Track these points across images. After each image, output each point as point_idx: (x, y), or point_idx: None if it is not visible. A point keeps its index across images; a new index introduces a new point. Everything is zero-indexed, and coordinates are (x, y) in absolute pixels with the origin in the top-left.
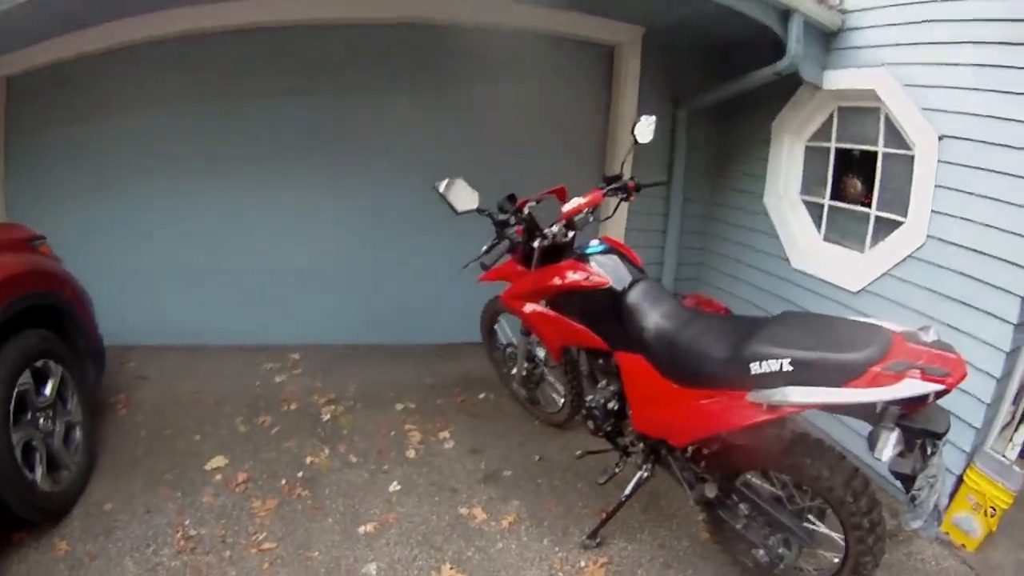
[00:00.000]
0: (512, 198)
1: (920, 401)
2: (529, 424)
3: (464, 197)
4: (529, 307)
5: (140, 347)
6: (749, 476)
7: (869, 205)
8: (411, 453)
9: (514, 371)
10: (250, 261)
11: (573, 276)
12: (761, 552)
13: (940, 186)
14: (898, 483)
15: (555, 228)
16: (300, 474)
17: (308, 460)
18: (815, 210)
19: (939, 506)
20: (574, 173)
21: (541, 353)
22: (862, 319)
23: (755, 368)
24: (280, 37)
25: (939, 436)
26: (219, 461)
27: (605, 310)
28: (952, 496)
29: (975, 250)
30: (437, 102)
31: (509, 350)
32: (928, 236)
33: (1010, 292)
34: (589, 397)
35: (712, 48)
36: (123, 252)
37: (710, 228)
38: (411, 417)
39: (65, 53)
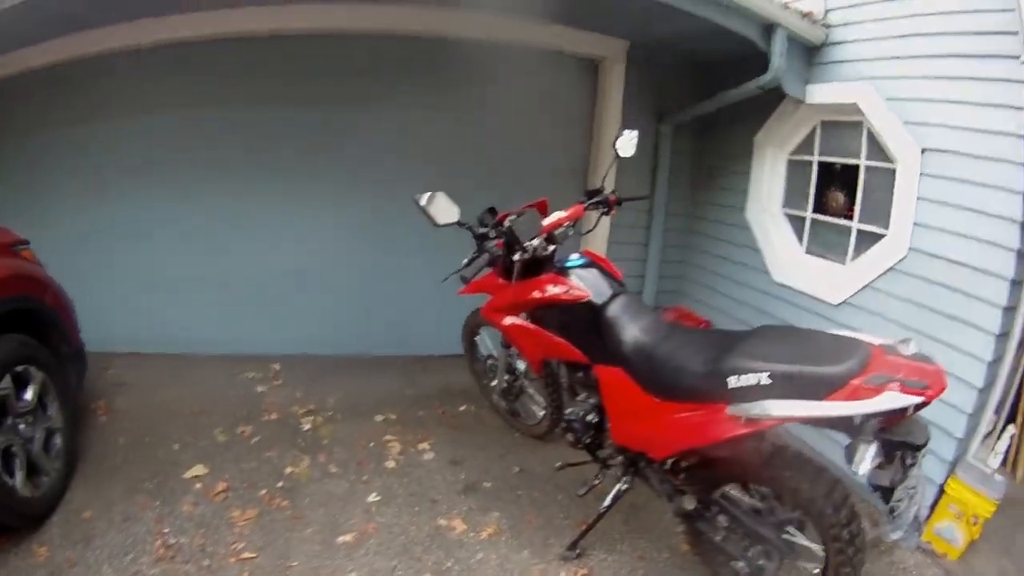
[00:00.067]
0: (492, 211)
1: (900, 413)
2: (509, 436)
3: (444, 210)
4: (509, 320)
5: (122, 354)
6: (728, 488)
7: (851, 218)
8: (391, 464)
9: (494, 383)
10: (233, 271)
11: (553, 289)
12: (741, 564)
13: (922, 199)
14: (877, 495)
15: (535, 242)
16: (280, 484)
17: (288, 470)
18: (797, 223)
19: (919, 517)
20: (557, 186)
21: (521, 366)
22: (841, 332)
23: (733, 382)
24: (273, 45)
25: (919, 448)
26: (199, 470)
27: (585, 323)
28: (933, 506)
29: (957, 262)
30: (423, 116)
31: (490, 362)
32: (910, 248)
33: (991, 303)
34: (569, 410)
35: (696, 62)
36: (106, 259)
37: (692, 241)
38: (391, 428)
39: (60, 56)
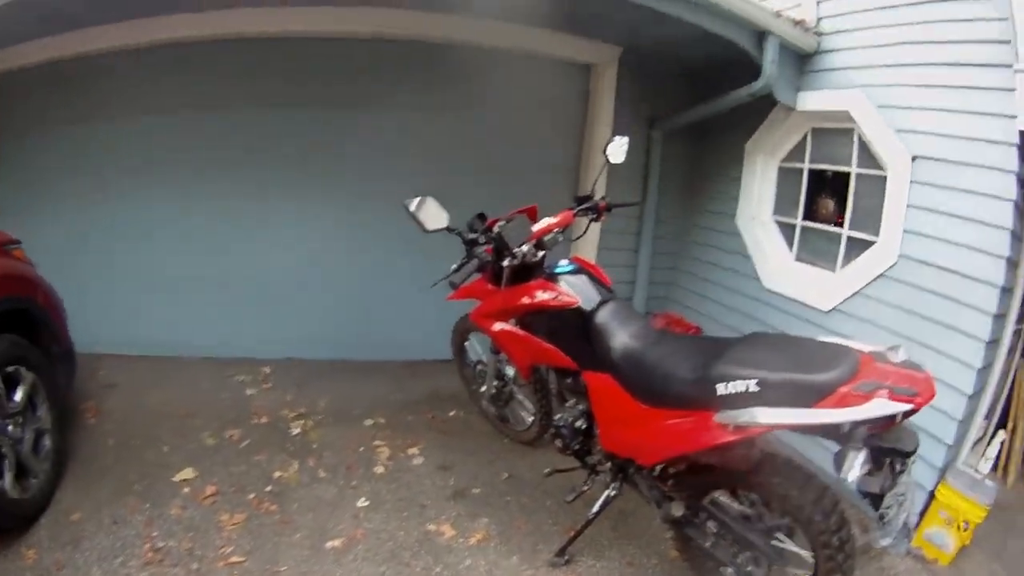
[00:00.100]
0: (482, 217)
1: (889, 421)
2: (498, 442)
3: (434, 216)
4: (498, 326)
5: (112, 356)
6: (717, 495)
7: (841, 225)
8: (380, 469)
9: (484, 389)
10: (225, 274)
11: (542, 295)
12: (730, 570)
13: (912, 206)
14: (867, 501)
15: (525, 248)
16: (269, 488)
17: (277, 474)
18: (787, 230)
19: (908, 524)
20: (549, 190)
21: (510, 371)
22: (831, 339)
23: (721, 389)
24: (272, 46)
25: (908, 455)
26: (188, 473)
27: (574, 330)
28: (924, 511)
29: (947, 269)
30: (416, 119)
31: (479, 368)
32: (900, 255)
33: (981, 310)
34: (557, 416)
35: (688, 69)
36: (98, 260)
37: (682, 248)
38: (380, 433)
39: (56, 53)
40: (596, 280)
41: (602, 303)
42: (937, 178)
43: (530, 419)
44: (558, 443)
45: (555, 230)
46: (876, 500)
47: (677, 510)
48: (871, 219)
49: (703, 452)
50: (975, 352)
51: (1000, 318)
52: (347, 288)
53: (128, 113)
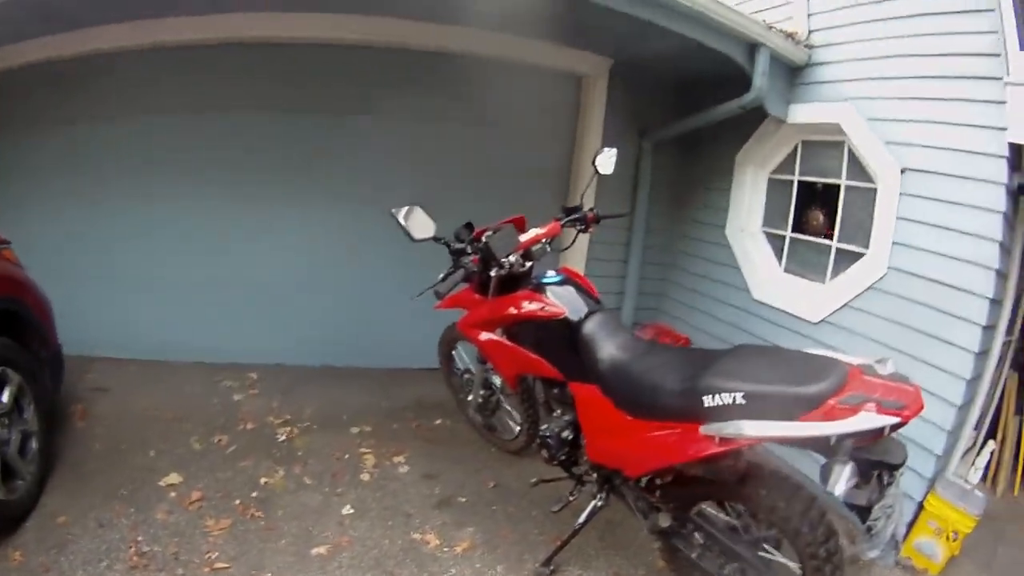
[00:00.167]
0: (469, 227)
1: (876, 433)
2: (485, 451)
3: (421, 225)
4: (485, 335)
5: (101, 359)
6: (704, 506)
7: (831, 237)
8: (365, 476)
9: (471, 398)
10: (215, 279)
11: (529, 306)
12: None
13: (902, 218)
14: (854, 513)
15: (512, 258)
16: (254, 494)
17: (263, 480)
18: (777, 242)
19: (897, 535)
20: (539, 201)
21: (498, 381)
22: (818, 352)
23: (708, 401)
24: (266, 51)
25: (896, 467)
26: (174, 478)
27: (560, 340)
28: (913, 521)
29: (937, 281)
30: (403, 128)
31: (467, 376)
32: (889, 267)
33: (971, 322)
34: (544, 426)
35: (679, 80)
36: (89, 262)
37: (672, 259)
38: (366, 441)
39: (54, 52)
40: (583, 291)
41: (589, 314)
42: (927, 190)
43: (517, 429)
44: (544, 453)
45: (543, 241)
46: (864, 512)
47: (664, 521)
48: (861, 231)
49: (690, 464)
50: (964, 364)
51: (989, 330)
52: (336, 295)
53: (126, 114)
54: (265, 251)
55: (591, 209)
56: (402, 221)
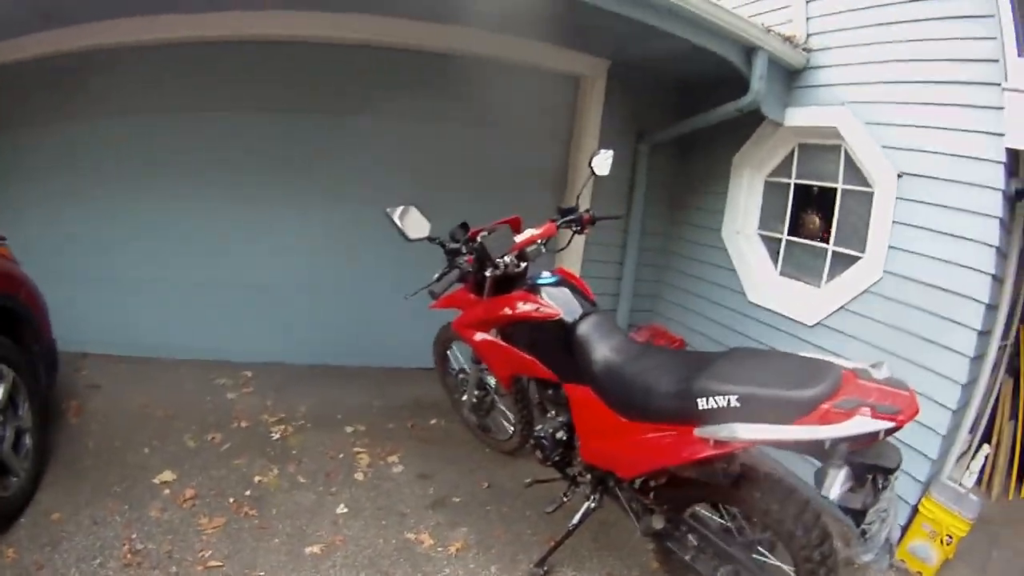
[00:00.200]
0: (465, 227)
1: (871, 438)
2: (479, 451)
3: (416, 225)
4: (479, 336)
5: (96, 355)
6: (698, 508)
7: (827, 240)
8: (360, 476)
9: (465, 398)
10: (210, 277)
11: (523, 307)
12: None
13: (898, 222)
14: (849, 517)
15: (507, 258)
16: (248, 492)
17: (257, 479)
18: (773, 245)
19: (891, 539)
20: (536, 201)
21: (492, 381)
22: (813, 355)
23: (702, 404)
24: (266, 50)
25: (890, 471)
26: (168, 476)
27: (555, 342)
28: (907, 525)
29: (932, 285)
30: (402, 128)
31: (461, 376)
32: (885, 271)
33: (966, 326)
34: (538, 427)
35: (676, 83)
36: (87, 262)
37: (667, 261)
38: (361, 440)
39: (49, 48)
40: (578, 292)
41: (584, 315)
42: (923, 195)
43: (511, 429)
44: (538, 454)
45: (538, 241)
46: (858, 516)
47: (658, 523)
48: (857, 235)
49: (684, 466)
50: (960, 368)
51: (985, 334)
52: (330, 293)
53: (125, 114)
54: (262, 251)
55: (587, 210)
56: (397, 221)
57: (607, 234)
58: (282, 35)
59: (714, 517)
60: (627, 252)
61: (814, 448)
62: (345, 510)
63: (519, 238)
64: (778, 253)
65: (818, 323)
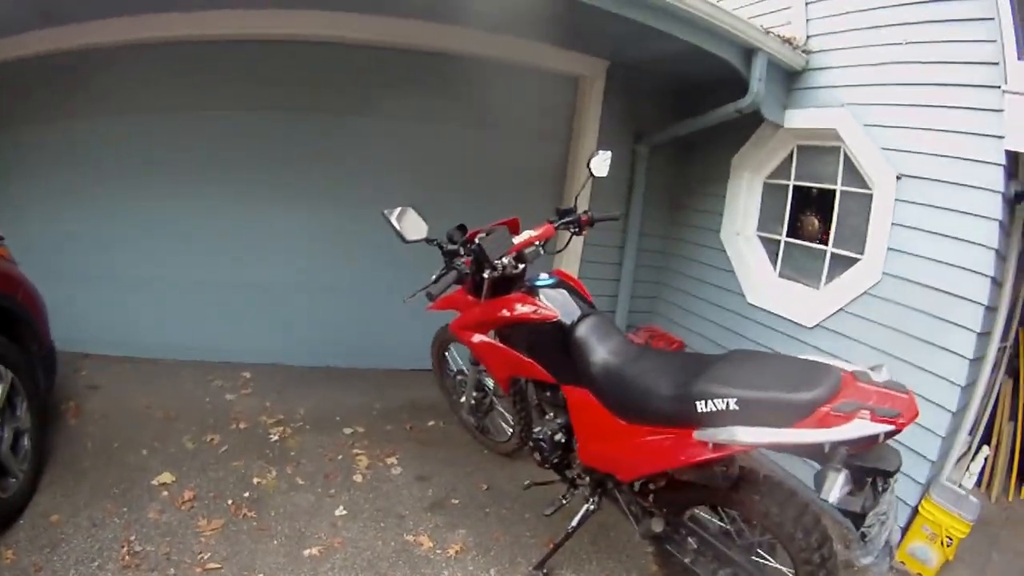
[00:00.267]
0: (462, 228)
1: (870, 441)
2: (478, 453)
3: (413, 226)
4: (477, 338)
5: (95, 356)
6: (697, 511)
7: (826, 242)
8: (358, 478)
9: (463, 399)
10: (210, 278)
11: (521, 309)
12: None
13: (897, 224)
14: (848, 520)
15: (505, 260)
16: (247, 494)
17: (255, 481)
18: (771, 246)
19: (891, 542)
20: (533, 203)
21: (490, 383)
22: (812, 358)
23: (701, 407)
24: (266, 50)
25: (890, 474)
26: (166, 477)
27: (553, 343)
28: (907, 526)
29: (931, 287)
30: (402, 128)
31: (460, 378)
32: (884, 273)
33: (966, 328)
34: (536, 429)
35: (675, 84)
36: (87, 260)
37: (666, 262)
38: (359, 442)
39: (50, 46)
40: (577, 294)
41: (582, 317)
42: (923, 197)
43: (510, 431)
44: (537, 456)
45: (536, 243)
46: (858, 519)
47: (657, 526)
48: (856, 237)
49: (683, 469)
50: (959, 370)
51: (984, 336)
52: (329, 295)
53: (125, 112)
54: (262, 250)
55: (585, 211)
56: (394, 222)
57: (605, 235)
58: (282, 34)
59: (713, 520)
60: (625, 253)
61: (813, 451)
62: (344, 512)
63: (517, 239)
64: (777, 255)
65: (817, 325)
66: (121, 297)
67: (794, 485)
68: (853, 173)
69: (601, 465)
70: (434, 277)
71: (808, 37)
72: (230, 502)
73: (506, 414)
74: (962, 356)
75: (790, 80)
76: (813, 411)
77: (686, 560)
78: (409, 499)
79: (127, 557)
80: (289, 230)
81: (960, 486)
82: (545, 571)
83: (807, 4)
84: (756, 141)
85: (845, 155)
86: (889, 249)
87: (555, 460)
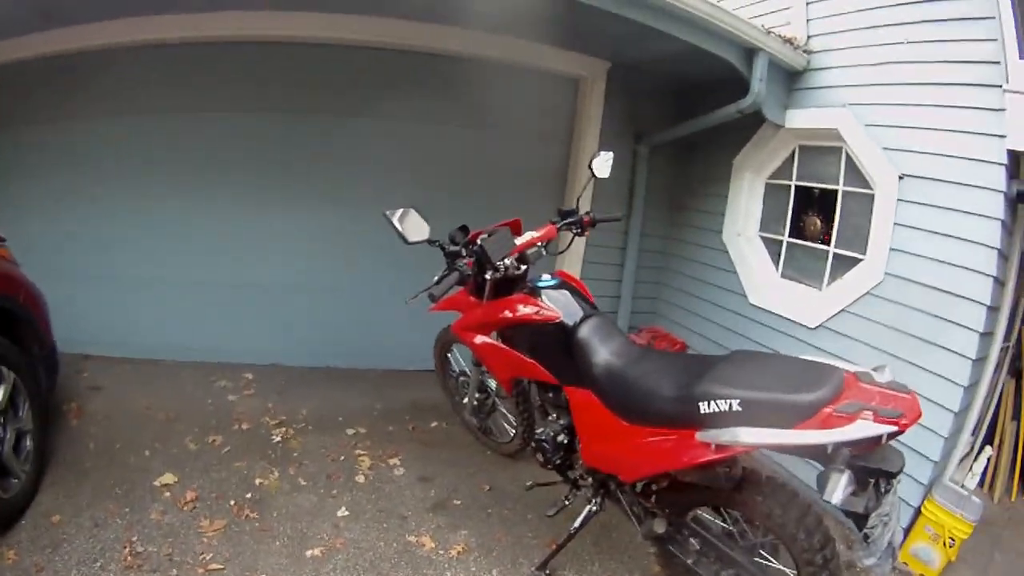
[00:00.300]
0: (464, 229)
1: (873, 442)
2: (480, 454)
3: (415, 227)
4: (480, 339)
5: (97, 357)
6: (700, 512)
7: (828, 242)
8: (361, 479)
9: (466, 400)
10: (211, 278)
11: (524, 310)
12: None
13: (899, 224)
14: (850, 521)
15: (507, 261)
16: (249, 495)
17: (257, 481)
18: (773, 247)
19: (894, 543)
20: (535, 204)
21: (493, 384)
22: (815, 359)
23: (704, 408)
24: (266, 51)
25: (893, 475)
26: (169, 478)
27: (555, 344)
28: (910, 527)
29: (933, 287)
30: (402, 129)
31: (462, 379)
32: (887, 273)
33: (968, 328)
34: (539, 430)
35: (676, 84)
36: (87, 261)
37: (668, 263)
38: (362, 442)
39: (49, 48)
40: (579, 295)
41: (584, 318)
42: (925, 197)
43: (512, 432)
44: (539, 457)
45: (538, 244)
46: (860, 520)
47: (659, 527)
48: (858, 237)
49: (685, 470)
50: (962, 370)
51: (987, 336)
52: (331, 296)
53: (126, 113)
54: (262, 251)
55: (587, 212)
56: (396, 224)
57: (607, 236)
58: (282, 35)
59: (716, 521)
60: (627, 254)
61: (816, 452)
62: (346, 513)
63: (519, 240)
64: (779, 255)
65: (819, 325)
66: (121, 297)
67: (797, 486)
68: (855, 173)
69: (604, 466)
70: (436, 278)
71: (809, 37)
72: (232, 503)
73: (508, 415)
74: (964, 356)
75: (791, 80)
76: (816, 412)
77: (688, 561)
78: (411, 500)
79: (129, 558)
80: (289, 231)
81: (963, 487)
82: (547, 572)
83: (808, 4)
84: (757, 141)
85: (847, 155)
86: (891, 249)
87: (558, 461)
